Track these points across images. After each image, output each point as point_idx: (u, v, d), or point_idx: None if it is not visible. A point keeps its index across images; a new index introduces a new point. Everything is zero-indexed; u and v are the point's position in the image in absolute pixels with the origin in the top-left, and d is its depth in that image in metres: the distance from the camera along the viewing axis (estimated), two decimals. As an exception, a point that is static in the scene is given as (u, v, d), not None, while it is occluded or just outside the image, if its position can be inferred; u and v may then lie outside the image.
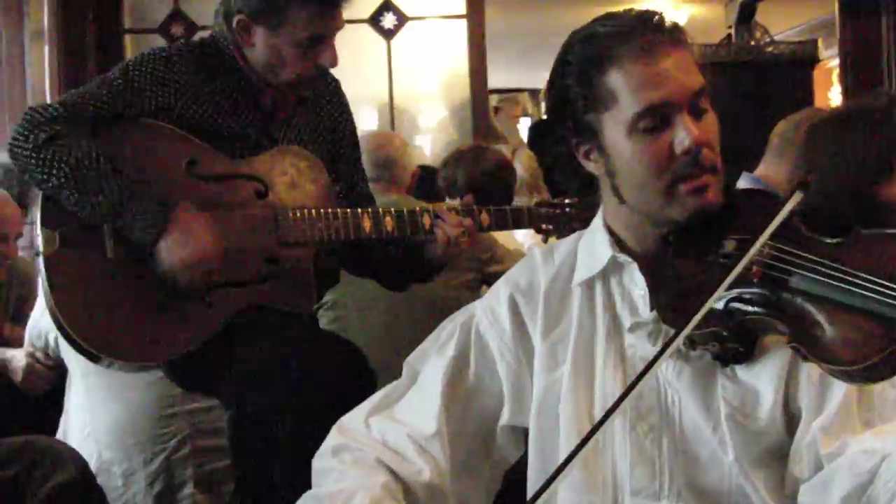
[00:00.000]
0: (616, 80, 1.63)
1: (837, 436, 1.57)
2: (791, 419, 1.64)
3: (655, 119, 1.62)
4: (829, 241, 1.57)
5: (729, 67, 6.04)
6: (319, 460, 1.78)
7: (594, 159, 1.72)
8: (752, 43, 6.28)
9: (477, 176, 4.15)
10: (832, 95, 9.01)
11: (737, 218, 1.67)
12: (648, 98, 1.62)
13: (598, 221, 1.81)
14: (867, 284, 1.43)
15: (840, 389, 1.59)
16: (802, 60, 6.03)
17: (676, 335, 1.54)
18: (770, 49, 6.20)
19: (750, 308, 1.55)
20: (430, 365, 1.85)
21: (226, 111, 2.62)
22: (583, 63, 1.67)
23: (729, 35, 6.50)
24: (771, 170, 3.27)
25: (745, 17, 6.40)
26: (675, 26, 1.69)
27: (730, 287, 1.57)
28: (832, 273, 1.47)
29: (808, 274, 1.50)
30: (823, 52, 6.32)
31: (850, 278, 1.45)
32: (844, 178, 2.35)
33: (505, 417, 1.81)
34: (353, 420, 1.84)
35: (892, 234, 1.56)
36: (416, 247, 2.77)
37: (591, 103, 1.66)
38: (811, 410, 1.61)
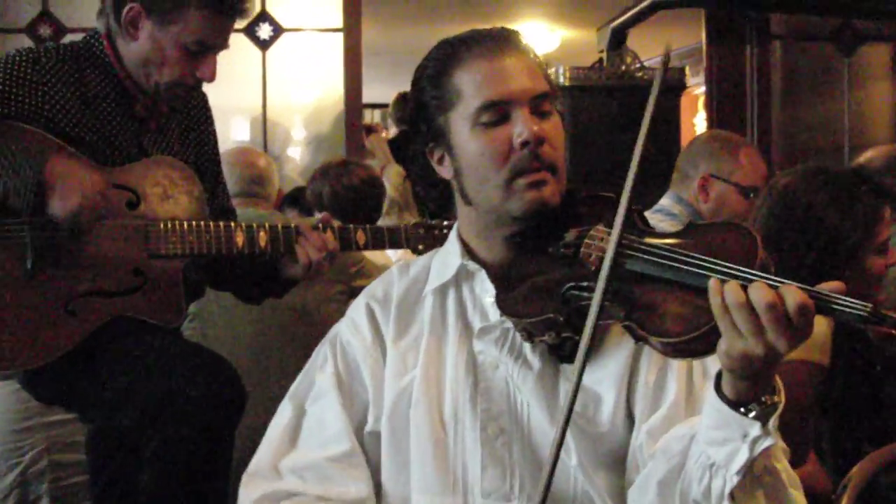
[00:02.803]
0: (461, 78, 1.74)
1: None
2: (632, 423, 1.70)
3: (496, 114, 1.72)
4: (665, 232, 1.65)
5: (599, 91, 6.17)
6: None
7: (445, 163, 1.80)
8: (623, 68, 6.42)
9: (341, 191, 4.13)
10: (697, 121, 9.29)
11: (578, 218, 1.73)
12: (489, 92, 1.71)
13: (452, 233, 1.89)
14: (693, 260, 1.50)
15: (671, 394, 1.68)
16: (670, 87, 6.19)
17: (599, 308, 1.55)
18: (640, 74, 6.35)
19: (586, 294, 1.59)
20: (317, 388, 1.86)
21: (96, 117, 2.56)
22: (435, 66, 1.77)
23: (600, 59, 6.62)
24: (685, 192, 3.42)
25: (617, 42, 6.53)
26: (521, 39, 1.80)
27: (567, 276, 1.63)
28: (663, 254, 1.54)
29: (643, 256, 1.57)
30: (690, 80, 6.50)
31: (680, 256, 1.52)
32: (807, 255, 2.40)
33: (369, 423, 1.83)
34: (259, 471, 1.82)
35: (723, 222, 1.69)
36: (271, 261, 2.74)
37: (441, 103, 1.75)
38: (645, 415, 1.68)
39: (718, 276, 1.44)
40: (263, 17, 6.16)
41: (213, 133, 2.91)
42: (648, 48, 6.51)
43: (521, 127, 1.70)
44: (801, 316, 1.36)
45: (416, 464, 1.77)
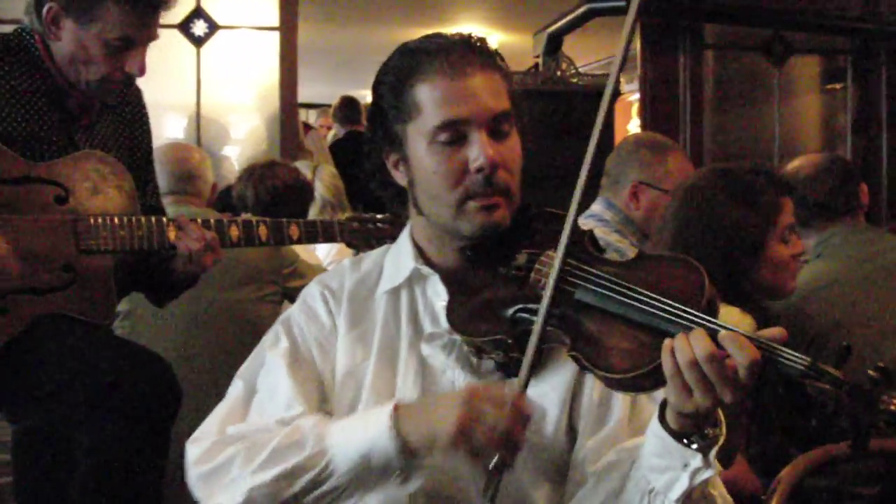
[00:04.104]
0: (422, 92, 1.71)
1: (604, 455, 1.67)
2: (575, 437, 1.72)
3: (453, 134, 1.70)
4: (616, 260, 1.67)
5: (534, 95, 6.21)
6: (201, 465, 1.70)
7: (400, 170, 1.79)
8: (558, 73, 6.47)
9: (264, 194, 4.11)
10: (631, 127, 9.37)
11: (530, 235, 1.74)
12: (448, 113, 1.69)
13: (405, 234, 1.88)
14: (643, 299, 1.52)
15: (616, 412, 1.70)
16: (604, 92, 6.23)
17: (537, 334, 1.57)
18: (574, 80, 6.39)
19: (535, 318, 1.60)
20: (268, 364, 1.82)
21: (27, 111, 2.52)
22: (397, 74, 1.75)
23: (536, 64, 6.66)
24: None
25: (553, 47, 6.58)
26: (489, 50, 1.78)
27: (517, 298, 1.64)
28: (613, 287, 1.56)
29: (592, 287, 1.58)
30: (625, 86, 6.55)
31: (629, 292, 1.54)
32: (714, 250, 2.45)
33: (323, 402, 1.81)
34: (205, 435, 1.77)
35: (673, 256, 1.69)
36: (165, 261, 2.69)
37: (400, 113, 1.73)
38: (588, 431, 1.70)
39: (666, 314, 1.48)
40: (198, 13, 6.09)
41: (148, 132, 2.87)
42: (584, 54, 6.56)
43: (476, 152, 1.69)
44: (752, 375, 1.40)
45: None
